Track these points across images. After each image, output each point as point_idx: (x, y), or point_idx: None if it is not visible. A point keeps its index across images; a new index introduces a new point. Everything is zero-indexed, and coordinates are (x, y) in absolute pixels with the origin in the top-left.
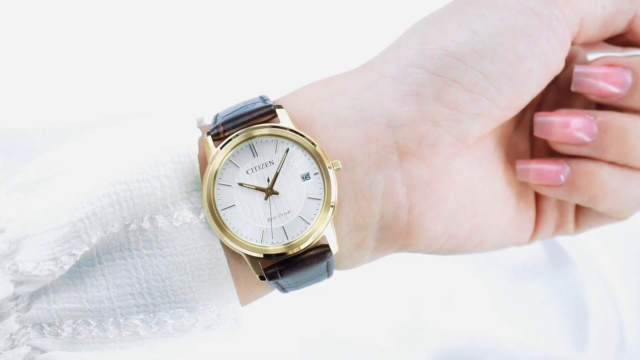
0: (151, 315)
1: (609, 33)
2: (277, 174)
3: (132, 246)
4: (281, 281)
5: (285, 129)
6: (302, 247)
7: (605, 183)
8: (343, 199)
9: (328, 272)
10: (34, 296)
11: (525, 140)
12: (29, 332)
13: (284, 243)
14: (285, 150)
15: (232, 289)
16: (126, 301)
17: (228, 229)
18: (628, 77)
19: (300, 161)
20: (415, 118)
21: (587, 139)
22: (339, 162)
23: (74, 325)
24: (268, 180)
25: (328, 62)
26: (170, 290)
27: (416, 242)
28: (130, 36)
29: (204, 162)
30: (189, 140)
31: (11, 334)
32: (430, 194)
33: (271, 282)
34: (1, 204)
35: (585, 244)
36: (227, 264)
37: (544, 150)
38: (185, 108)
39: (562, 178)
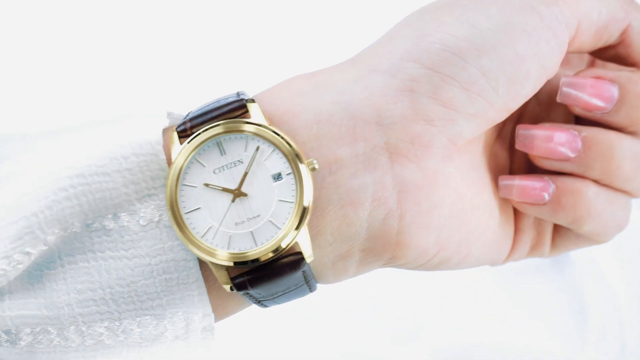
0: (117, 323)
1: (601, 42)
2: (245, 174)
3: (96, 247)
4: (253, 292)
5: (255, 124)
6: (270, 255)
7: (591, 203)
8: (327, 204)
9: (309, 285)
10: None
11: (505, 152)
12: None
13: (252, 250)
14: (255, 148)
15: (203, 295)
16: (88, 308)
17: (191, 234)
18: (615, 92)
19: (272, 160)
20: (408, 116)
21: (570, 154)
22: (314, 160)
23: (33, 334)
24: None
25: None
26: (135, 296)
27: (405, 254)
28: (129, 38)
29: (170, 158)
30: (153, 130)
31: None
32: (423, 200)
33: (241, 293)
34: None
35: None
36: (197, 266)
37: (524, 164)
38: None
39: (547, 196)
